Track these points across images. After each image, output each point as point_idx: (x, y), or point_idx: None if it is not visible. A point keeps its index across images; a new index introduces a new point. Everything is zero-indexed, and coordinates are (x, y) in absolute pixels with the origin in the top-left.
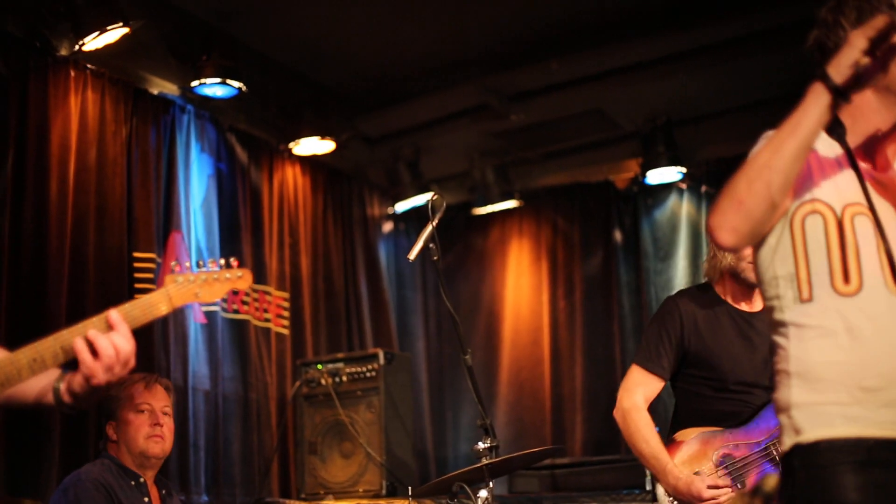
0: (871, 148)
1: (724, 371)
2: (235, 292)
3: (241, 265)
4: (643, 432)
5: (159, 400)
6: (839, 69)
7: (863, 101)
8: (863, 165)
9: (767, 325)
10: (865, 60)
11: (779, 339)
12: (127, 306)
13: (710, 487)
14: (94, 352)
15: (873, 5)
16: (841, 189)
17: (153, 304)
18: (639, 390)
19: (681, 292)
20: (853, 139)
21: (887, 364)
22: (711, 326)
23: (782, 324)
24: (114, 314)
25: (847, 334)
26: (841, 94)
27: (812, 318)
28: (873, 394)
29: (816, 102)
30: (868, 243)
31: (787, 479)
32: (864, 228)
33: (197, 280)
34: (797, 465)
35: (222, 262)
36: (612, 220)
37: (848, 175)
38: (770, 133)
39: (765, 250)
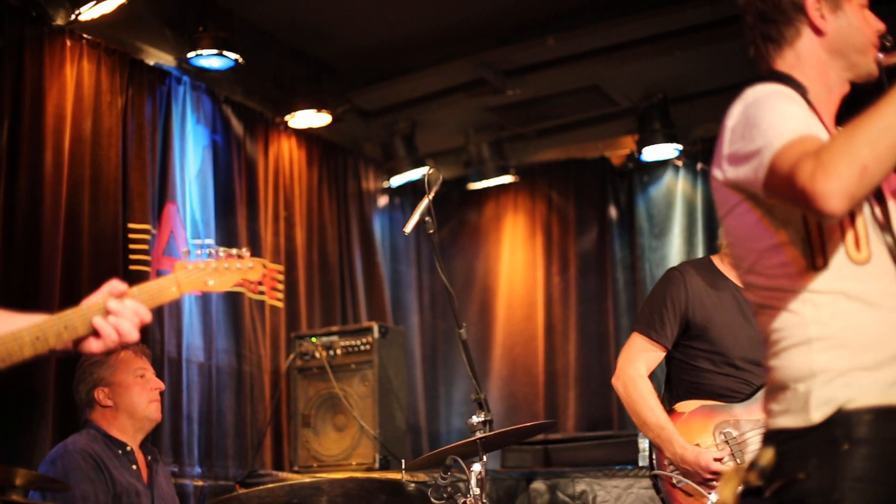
0: (825, 110)
1: (726, 346)
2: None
3: (250, 253)
4: (648, 401)
5: (150, 366)
6: None
7: (816, 60)
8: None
9: None
10: None
11: (788, 305)
12: (135, 290)
13: (715, 460)
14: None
15: None
16: None
17: (162, 290)
18: (641, 359)
19: (685, 264)
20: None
21: None
22: (715, 301)
23: (791, 291)
24: (113, 303)
25: (866, 303)
26: None
27: (832, 285)
28: None
29: None
30: (865, 211)
31: (823, 451)
32: None
33: (207, 268)
34: (840, 435)
35: (234, 250)
36: (608, 196)
37: None
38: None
39: (761, 217)
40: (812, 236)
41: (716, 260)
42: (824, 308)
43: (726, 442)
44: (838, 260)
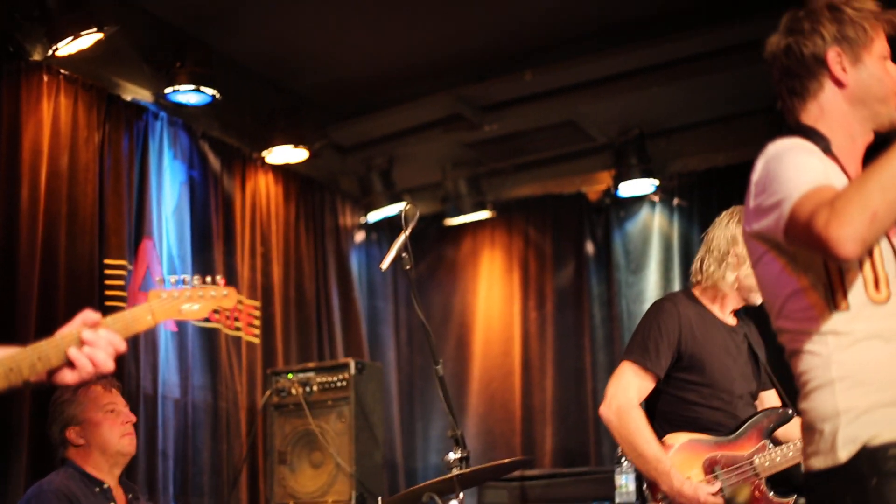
0: (850, 159)
1: (716, 378)
2: (217, 311)
3: (224, 282)
4: (644, 433)
5: (120, 400)
6: None
7: (838, 111)
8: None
9: (742, 340)
10: None
11: (812, 347)
12: (109, 319)
13: (713, 495)
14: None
15: (854, 16)
16: None
17: (136, 319)
18: (633, 388)
19: (676, 295)
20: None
21: None
22: (704, 333)
23: (814, 333)
24: (87, 333)
25: (885, 340)
26: None
27: (852, 326)
28: None
29: None
30: (886, 252)
31: (854, 488)
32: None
33: (181, 297)
34: (868, 471)
35: (208, 279)
36: (584, 232)
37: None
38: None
39: (785, 265)
40: (833, 280)
41: (696, 293)
42: (844, 348)
43: (715, 477)
44: (859, 301)
